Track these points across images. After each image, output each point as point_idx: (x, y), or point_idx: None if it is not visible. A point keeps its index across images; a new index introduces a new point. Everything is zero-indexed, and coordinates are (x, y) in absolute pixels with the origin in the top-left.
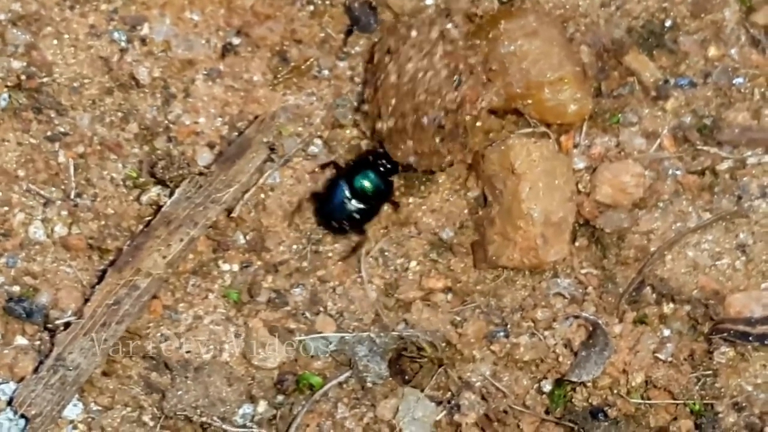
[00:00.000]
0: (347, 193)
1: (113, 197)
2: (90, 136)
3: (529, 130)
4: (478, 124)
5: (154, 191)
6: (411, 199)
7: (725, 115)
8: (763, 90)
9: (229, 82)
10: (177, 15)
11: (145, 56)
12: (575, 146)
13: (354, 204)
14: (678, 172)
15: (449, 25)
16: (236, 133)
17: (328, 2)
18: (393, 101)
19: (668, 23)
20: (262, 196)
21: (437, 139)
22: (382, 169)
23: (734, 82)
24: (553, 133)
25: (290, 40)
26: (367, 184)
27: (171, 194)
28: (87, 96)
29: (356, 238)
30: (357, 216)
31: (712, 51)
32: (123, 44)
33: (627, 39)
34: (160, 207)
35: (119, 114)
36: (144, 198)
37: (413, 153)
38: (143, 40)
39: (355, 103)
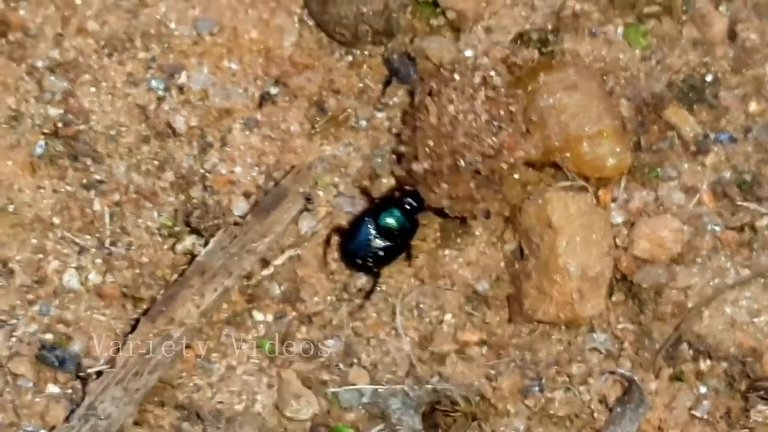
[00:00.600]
0: (372, 231)
1: (148, 246)
2: (126, 184)
3: (567, 183)
4: (516, 176)
5: (189, 240)
6: (447, 251)
7: (765, 171)
8: None
9: (266, 132)
10: (215, 64)
11: (183, 105)
12: (613, 200)
13: (379, 242)
14: (717, 228)
15: (492, 72)
16: (272, 183)
17: (366, 53)
18: (431, 142)
19: (709, 78)
20: (297, 247)
21: (472, 184)
22: (408, 207)
23: None
24: (592, 186)
25: (328, 90)
26: (392, 221)
27: (206, 244)
28: (123, 144)
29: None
30: (381, 254)
31: (753, 106)
32: (160, 92)
33: (667, 93)
34: (194, 256)
35: (155, 162)
36: (179, 247)
37: (447, 197)
38: (181, 89)
39: (393, 155)
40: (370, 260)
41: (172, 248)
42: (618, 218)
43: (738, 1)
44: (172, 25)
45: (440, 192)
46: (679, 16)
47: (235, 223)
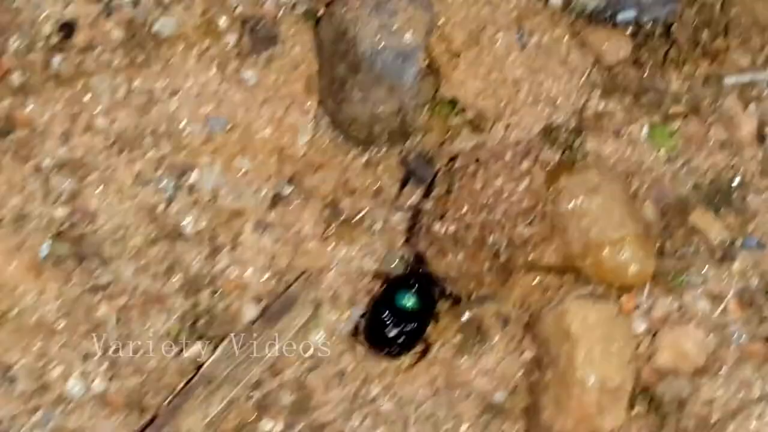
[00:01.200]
0: (391, 318)
1: (154, 352)
2: (133, 287)
3: (589, 289)
4: (536, 280)
5: (196, 348)
6: (464, 359)
7: None
8: None
9: (278, 234)
10: (227, 163)
11: (192, 205)
12: (636, 308)
13: (401, 327)
14: (743, 338)
15: (537, 166)
16: (284, 287)
17: (382, 152)
18: (465, 208)
19: (736, 181)
20: (308, 353)
21: (486, 266)
22: (419, 285)
23: None
24: (614, 293)
25: (343, 191)
26: (409, 303)
27: (213, 351)
28: (131, 246)
29: (417, 350)
30: (407, 338)
31: None
32: (170, 192)
33: (693, 196)
34: (201, 365)
35: (164, 265)
36: (185, 354)
37: (457, 269)
38: (190, 189)
39: (409, 258)
40: (398, 347)
41: (178, 355)
42: (640, 327)
43: (767, 101)
44: (183, 123)
45: (452, 261)
46: (706, 117)
47: (243, 331)
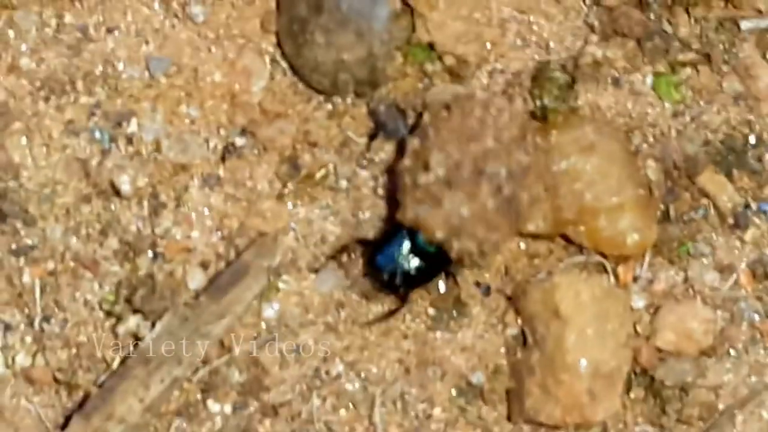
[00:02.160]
0: (407, 247)
1: (86, 323)
2: (62, 251)
3: (581, 259)
4: (522, 245)
5: (133, 321)
6: (439, 334)
7: None
8: None
9: (229, 191)
10: (171, 110)
11: (131, 159)
12: (635, 280)
13: (413, 261)
14: (756, 316)
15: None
16: (235, 252)
17: (349, 102)
18: (451, 146)
19: (752, 139)
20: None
21: (491, 203)
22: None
23: None
24: (610, 263)
25: (303, 144)
26: (430, 247)
27: (153, 324)
28: (60, 204)
29: (393, 306)
30: (414, 274)
31: None
32: (105, 144)
33: (702, 155)
34: (139, 339)
35: (97, 226)
36: (121, 328)
37: (456, 215)
38: (129, 140)
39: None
40: (399, 279)
41: (114, 328)
42: (639, 302)
43: None
44: (121, 65)
45: (449, 209)
46: (719, 66)
47: (186, 304)
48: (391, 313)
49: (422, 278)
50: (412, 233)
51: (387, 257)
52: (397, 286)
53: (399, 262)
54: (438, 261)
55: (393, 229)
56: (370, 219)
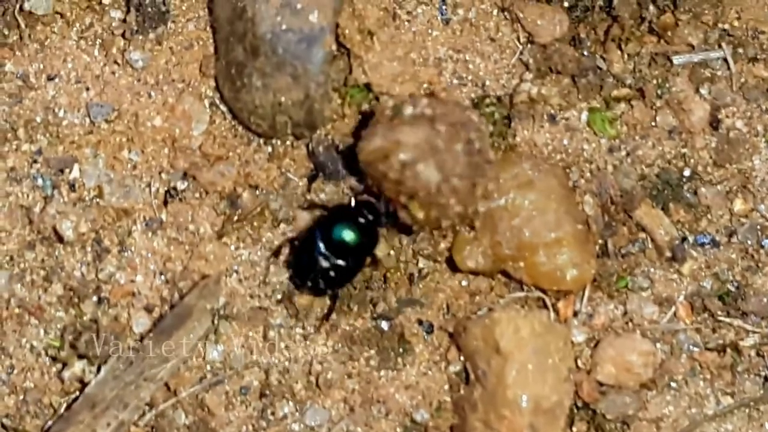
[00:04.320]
0: (323, 248)
1: (33, 369)
2: (7, 297)
3: (522, 294)
4: (464, 282)
5: (79, 365)
6: (383, 372)
7: (752, 281)
8: None
9: (171, 234)
10: (113, 155)
11: (73, 205)
12: (575, 314)
13: (331, 260)
14: (695, 348)
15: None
16: (178, 295)
17: (288, 143)
18: None
19: (687, 172)
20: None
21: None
22: (363, 220)
23: (763, 242)
24: (550, 298)
25: (244, 186)
26: (346, 237)
27: (99, 368)
28: (4, 251)
29: (327, 303)
30: (333, 274)
31: (738, 205)
32: (47, 191)
33: (639, 190)
34: (85, 384)
35: (41, 272)
36: (67, 373)
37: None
38: (72, 186)
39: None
40: (322, 282)
41: (60, 373)
42: (580, 336)
43: (721, 83)
44: (62, 112)
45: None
46: (653, 101)
47: (131, 348)
48: (326, 316)
49: (345, 275)
50: (326, 232)
51: (304, 262)
52: (322, 290)
53: (318, 266)
54: (360, 252)
55: (307, 231)
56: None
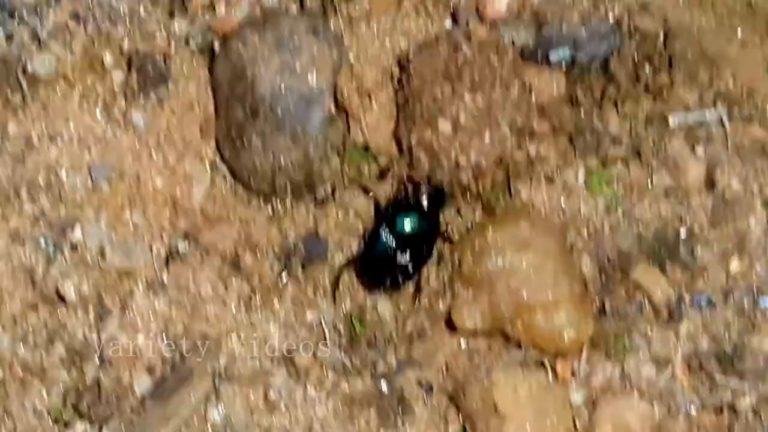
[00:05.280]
0: (392, 243)
1: (35, 431)
2: (9, 359)
3: (520, 355)
4: (462, 340)
5: (81, 427)
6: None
7: (749, 342)
8: None
9: (173, 295)
10: (114, 216)
11: (75, 266)
12: (573, 375)
13: (402, 254)
14: (692, 408)
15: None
16: (180, 356)
17: (288, 205)
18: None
19: (683, 232)
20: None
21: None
22: (424, 203)
23: (760, 303)
24: (548, 358)
25: (245, 247)
26: (409, 226)
27: (100, 431)
28: (6, 313)
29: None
30: (408, 266)
31: (735, 265)
32: (49, 252)
33: (635, 250)
34: None
35: (44, 333)
36: None
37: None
38: (74, 247)
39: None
40: (400, 276)
41: None
42: (578, 397)
43: (717, 143)
44: (64, 173)
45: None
46: (649, 161)
47: (132, 410)
48: (415, 298)
49: (419, 262)
50: (391, 225)
51: (379, 264)
52: (400, 284)
53: (391, 261)
54: (427, 237)
55: (372, 232)
56: (313, 320)
